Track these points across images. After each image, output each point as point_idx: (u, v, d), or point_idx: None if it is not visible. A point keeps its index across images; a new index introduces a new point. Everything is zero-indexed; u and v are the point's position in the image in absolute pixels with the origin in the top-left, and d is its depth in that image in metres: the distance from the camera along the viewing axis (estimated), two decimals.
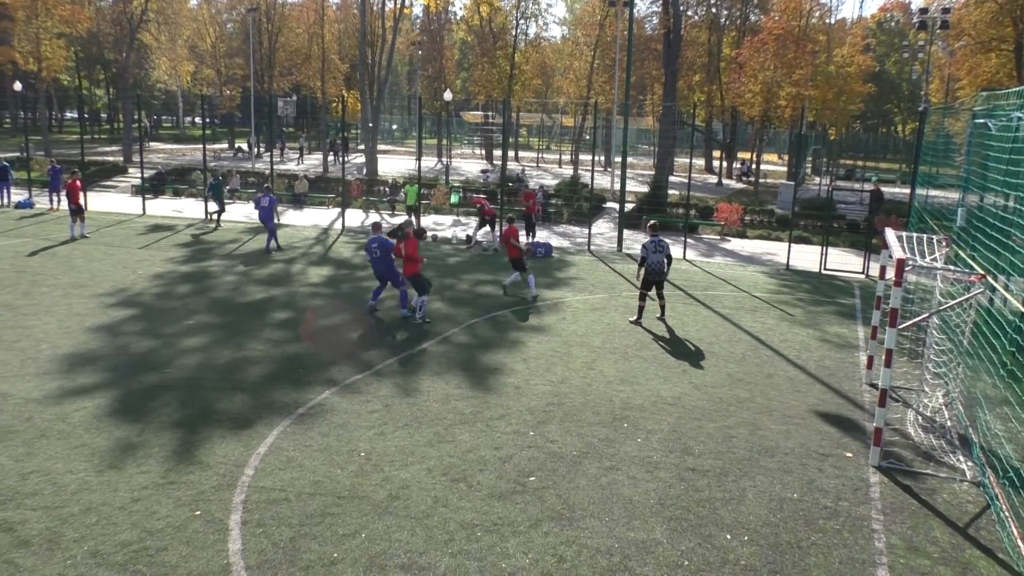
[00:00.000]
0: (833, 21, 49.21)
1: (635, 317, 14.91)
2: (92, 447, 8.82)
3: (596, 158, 49.60)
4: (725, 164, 53.42)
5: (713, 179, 50.09)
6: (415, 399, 10.57)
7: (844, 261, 22.89)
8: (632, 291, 17.79)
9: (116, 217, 28.28)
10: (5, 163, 32.66)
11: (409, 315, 14.70)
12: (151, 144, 62.71)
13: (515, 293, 17.08)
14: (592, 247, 24.07)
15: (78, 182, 22.65)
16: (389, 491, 8.04)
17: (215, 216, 26.92)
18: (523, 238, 23.87)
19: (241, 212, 30.16)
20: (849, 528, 7.71)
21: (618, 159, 35.96)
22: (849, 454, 9.39)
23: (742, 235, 27.79)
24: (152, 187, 35.33)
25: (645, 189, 35.65)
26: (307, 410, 10.05)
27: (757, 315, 15.97)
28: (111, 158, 48.52)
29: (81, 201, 22.25)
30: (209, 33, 64.23)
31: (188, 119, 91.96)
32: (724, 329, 14.75)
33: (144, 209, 29.66)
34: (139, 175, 33.71)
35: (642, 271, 14.77)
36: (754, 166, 48.26)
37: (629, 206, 29.76)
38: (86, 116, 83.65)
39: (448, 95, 43.30)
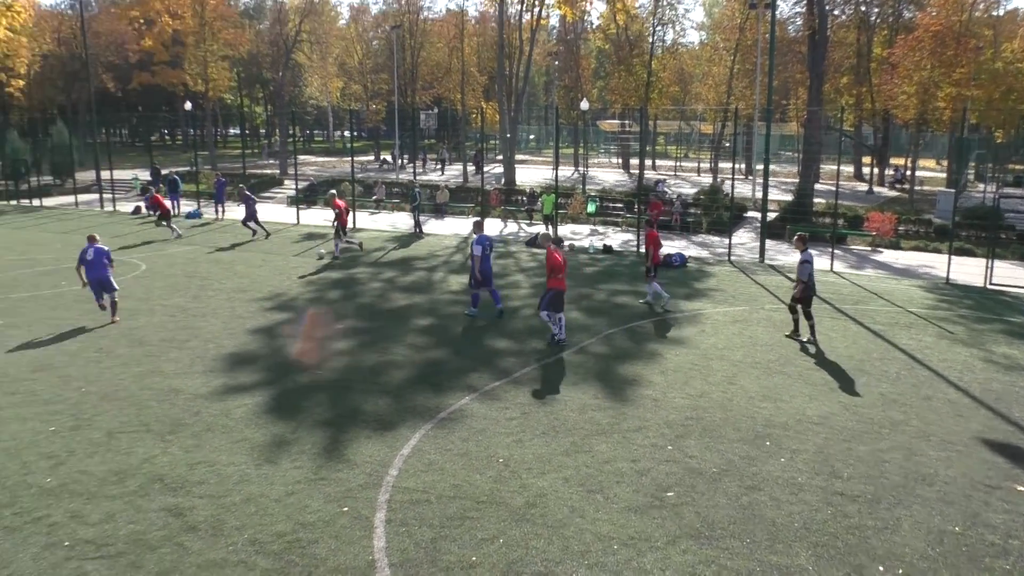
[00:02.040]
0: (1002, 13, 45.63)
1: (803, 334, 14.19)
2: (252, 441, 9.42)
3: (736, 166, 48.21)
4: (876, 171, 50.57)
5: (863, 187, 47.54)
6: (552, 408, 10.63)
7: (1013, 275, 21.14)
8: (776, 304, 17.16)
9: (273, 226, 30.07)
10: (175, 176, 35.49)
11: (468, 313, 14.98)
12: (304, 157, 66.31)
13: (648, 303, 16.85)
14: (732, 257, 23.41)
15: (340, 203, 22.74)
16: (526, 498, 8.11)
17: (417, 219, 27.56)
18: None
19: (386, 221, 31.38)
20: (1021, 570, 7.10)
21: (760, 166, 34.80)
22: (1021, 488, 8.64)
23: (895, 246, 26.20)
24: (305, 197, 37.40)
25: (788, 197, 34.30)
26: (448, 415, 10.32)
27: (913, 332, 15.00)
28: (269, 171, 51.73)
29: (347, 219, 22.87)
30: (356, 51, 67.42)
31: (337, 133, 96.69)
32: (876, 346, 13.95)
33: (298, 218, 31.43)
34: (294, 187, 35.77)
35: (802, 286, 13.87)
36: (909, 172, 45.41)
37: (771, 215, 28.74)
38: (247, 132, 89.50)
39: (584, 104, 43.37)
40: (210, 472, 8.61)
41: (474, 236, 15.64)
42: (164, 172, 40.54)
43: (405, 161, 56.71)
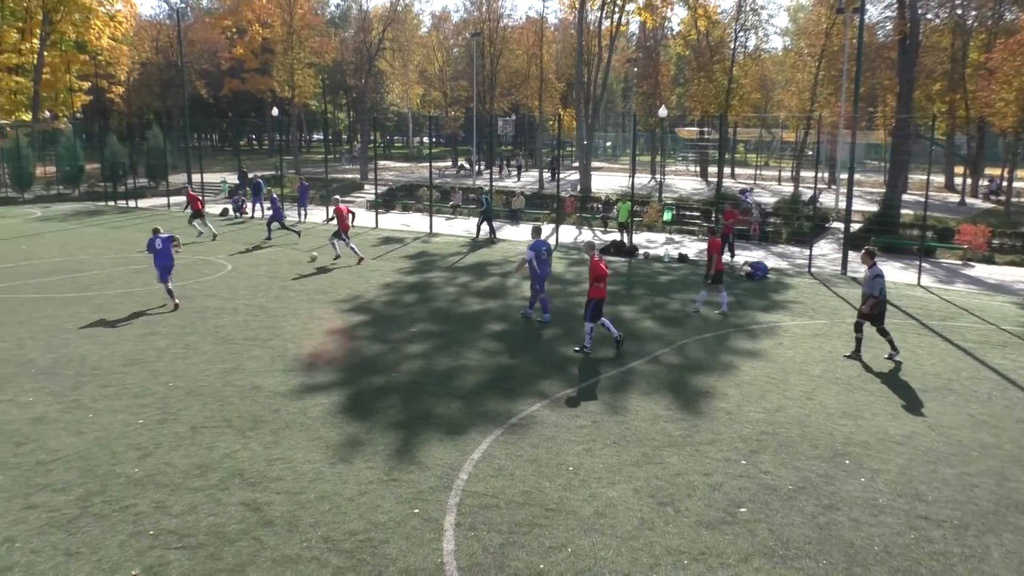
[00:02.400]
0: None
1: (854, 350, 13.67)
2: (327, 440, 9.63)
3: (819, 174, 46.86)
4: (969, 181, 48.40)
5: (955, 198, 45.58)
6: (623, 417, 10.52)
7: None
8: (855, 316, 16.59)
9: (353, 230, 30.71)
10: (259, 180, 36.65)
11: (540, 320, 15.32)
12: (384, 163, 67.64)
13: (724, 313, 16.52)
14: (813, 269, 22.76)
15: (342, 207, 23.25)
16: (595, 508, 8.05)
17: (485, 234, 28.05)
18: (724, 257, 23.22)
19: (461, 227, 31.71)
20: None
21: (844, 175, 33.73)
22: None
23: (989, 260, 25.02)
24: (384, 202, 38.14)
25: (874, 208, 33.15)
26: (518, 421, 10.33)
27: (1007, 351, 14.28)
28: (350, 175, 52.94)
29: (349, 222, 23.28)
30: (437, 58, 68.42)
31: (416, 139, 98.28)
32: (965, 365, 13.33)
33: (377, 222, 32.05)
34: (374, 191, 36.50)
35: (873, 301, 13.25)
36: (1005, 183, 43.30)
37: (855, 226, 27.85)
38: (330, 137, 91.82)
39: (663, 111, 42.92)
40: (287, 469, 8.83)
41: (532, 241, 15.73)
42: (250, 176, 41.92)
43: (482, 167, 57.20)
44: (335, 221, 23.14)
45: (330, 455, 9.21)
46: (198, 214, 27.91)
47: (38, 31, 55.32)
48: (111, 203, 42.79)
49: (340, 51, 75.52)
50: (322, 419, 10.31)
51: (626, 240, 26.17)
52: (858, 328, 13.59)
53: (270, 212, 27.98)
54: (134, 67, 75.82)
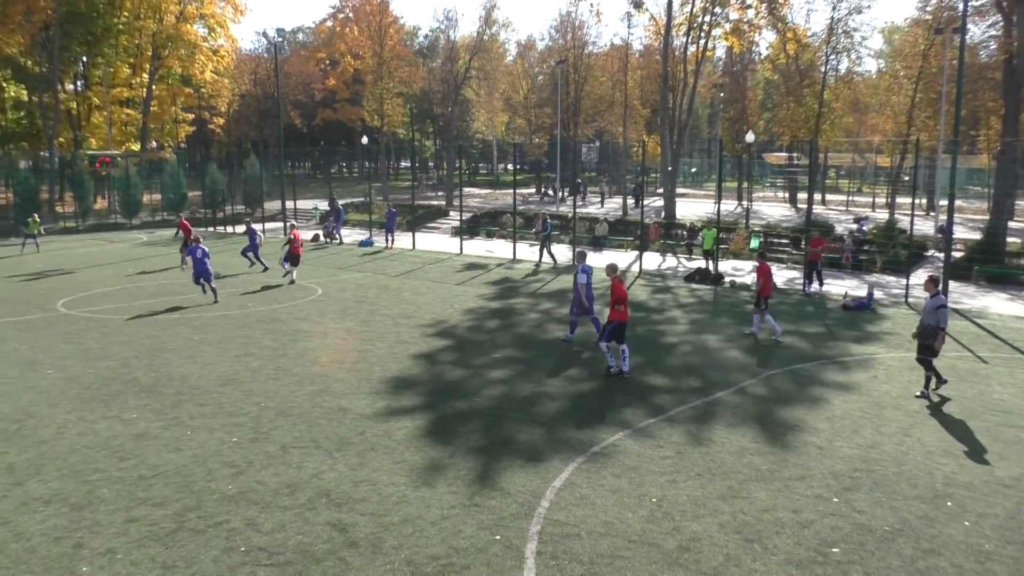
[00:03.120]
0: None
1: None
2: (410, 463, 9.77)
3: (916, 201, 45.09)
4: None
5: None
6: (708, 449, 10.30)
7: None
8: (959, 351, 15.81)
9: (437, 256, 31.30)
10: (340, 206, 37.69)
11: (564, 337, 15.53)
12: (469, 190, 68.64)
13: (756, 335, 16.01)
14: (910, 299, 21.83)
15: (296, 233, 24.16)
16: (679, 541, 7.89)
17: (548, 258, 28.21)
18: (813, 286, 22.55)
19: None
20: None
21: (943, 202, 32.37)
22: None
23: None
24: (468, 228, 38.67)
25: (976, 236, 31.64)
26: (600, 449, 10.24)
27: None
28: (436, 202, 53.92)
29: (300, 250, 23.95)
30: (522, 86, 69.29)
31: (501, 166, 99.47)
32: None
33: (461, 248, 32.51)
34: (459, 218, 37.06)
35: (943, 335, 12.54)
36: None
37: (956, 254, 26.64)
38: (416, 164, 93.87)
39: (750, 136, 42.19)
40: (372, 491, 8.99)
41: (578, 265, 15.95)
42: (341, 203, 43.25)
43: (564, 194, 57.37)
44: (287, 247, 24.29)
45: (413, 478, 9.33)
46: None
47: (148, 66, 58.84)
48: (210, 228, 44.76)
49: (428, 80, 77.42)
50: (406, 442, 10.46)
51: (711, 267, 25.73)
52: (926, 364, 12.84)
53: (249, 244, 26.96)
54: (234, 99, 79.53)
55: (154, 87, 59.62)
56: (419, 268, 27.37)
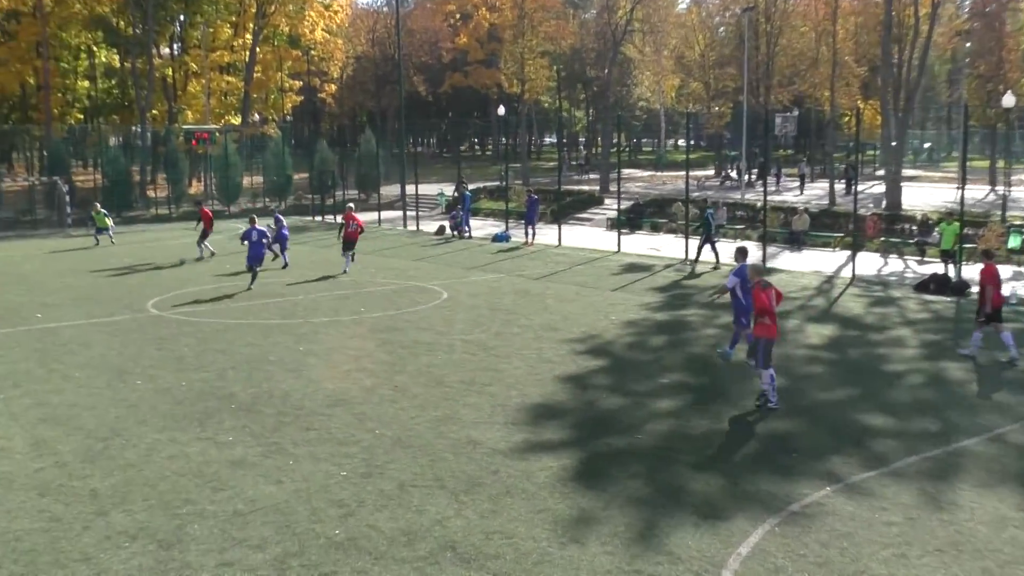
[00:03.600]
0: None
1: None
2: (555, 513, 9.75)
3: None
4: None
5: None
6: (952, 516, 9.68)
7: None
8: None
9: (589, 254, 31.32)
10: (468, 191, 38.32)
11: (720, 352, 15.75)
12: (628, 171, 68.45)
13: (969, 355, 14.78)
14: None
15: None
16: None
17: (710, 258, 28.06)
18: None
19: (726, 252, 31.17)
20: None
21: None
22: None
23: None
24: (628, 220, 38.46)
25: None
26: (800, 508, 9.85)
27: None
28: (586, 187, 54.06)
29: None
30: (698, 41, 68.22)
31: (670, 142, 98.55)
32: None
33: (619, 245, 32.37)
34: (616, 206, 36.96)
35: None
36: None
37: None
38: (564, 140, 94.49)
39: (1009, 100, 39.64)
40: (507, 545, 9.03)
41: (735, 266, 16.04)
42: (471, 187, 44.14)
43: (752, 176, 56.01)
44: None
45: (558, 532, 9.30)
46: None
47: (251, 25, 62.32)
48: (318, 218, 46.87)
49: (579, 36, 77.82)
50: (549, 486, 10.46)
51: (952, 273, 24.38)
52: None
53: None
54: (348, 62, 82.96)
55: (258, 50, 63.12)
56: (566, 269, 27.46)
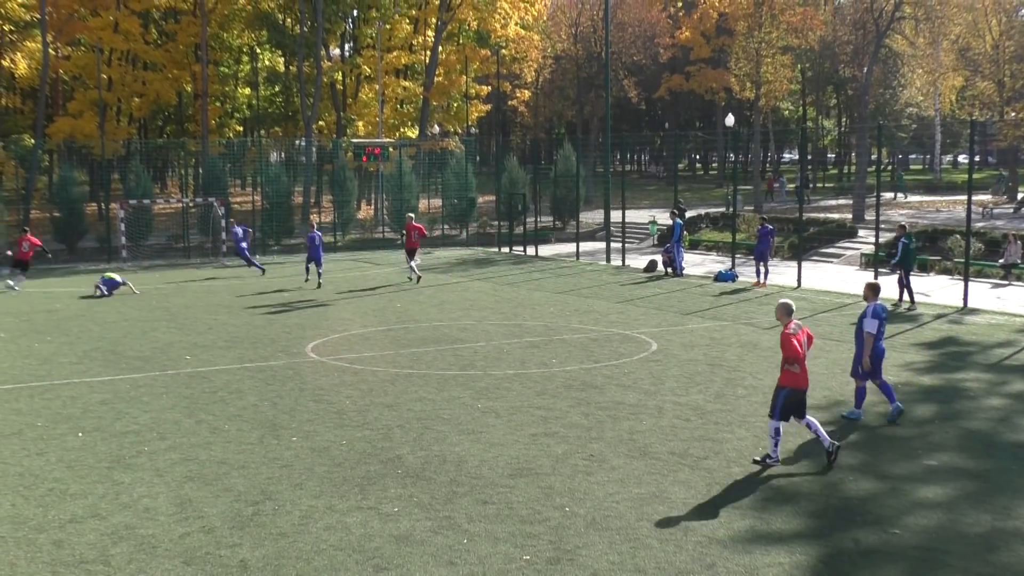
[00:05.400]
0: None
1: None
2: None
3: None
4: None
5: None
6: None
7: None
8: None
9: (836, 298, 30.60)
10: (679, 219, 37.93)
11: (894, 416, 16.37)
12: (890, 195, 66.34)
13: None
14: None
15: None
16: None
17: None
18: None
19: (1019, 300, 29.74)
20: None
21: None
22: None
23: None
24: (889, 256, 37.24)
25: None
26: None
27: None
28: (835, 215, 52.79)
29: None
30: (990, 28, 65.55)
31: (946, 157, 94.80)
32: None
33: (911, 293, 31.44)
34: (873, 239, 35.91)
35: None
36: None
37: None
38: (808, 157, 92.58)
39: None
40: None
41: (867, 305, 16.88)
42: (689, 214, 43.98)
43: None
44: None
45: None
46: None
47: (433, 21, 64.58)
48: (504, 249, 47.88)
49: (831, 27, 76.35)
50: None
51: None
52: None
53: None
54: (544, 63, 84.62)
55: (440, 49, 65.29)
56: (807, 317, 26.92)
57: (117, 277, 33.95)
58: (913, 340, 23.64)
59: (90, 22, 62.60)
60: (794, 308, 14.78)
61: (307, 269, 35.65)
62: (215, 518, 12.26)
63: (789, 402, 14.10)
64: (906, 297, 29.01)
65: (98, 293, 32.91)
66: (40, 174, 63.39)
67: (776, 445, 14.12)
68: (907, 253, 28.94)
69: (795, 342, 14.00)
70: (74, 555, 11.00)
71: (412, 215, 38.48)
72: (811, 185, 76.14)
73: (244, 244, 39.61)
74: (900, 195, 67.78)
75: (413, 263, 35.56)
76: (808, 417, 14.30)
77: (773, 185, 75.00)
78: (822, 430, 14.29)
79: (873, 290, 17.08)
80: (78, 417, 17.16)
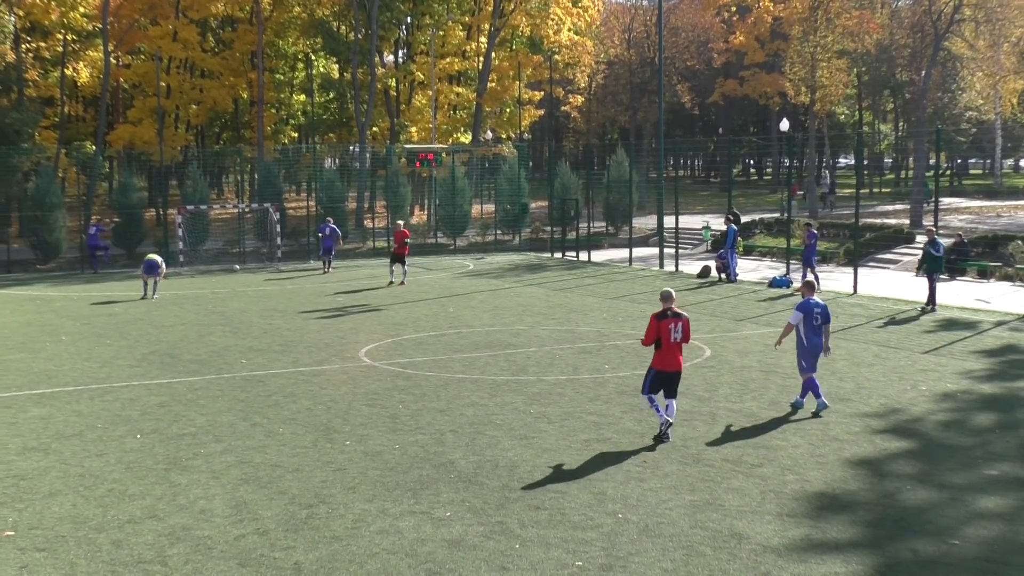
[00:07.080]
0: None
1: None
2: None
3: None
4: None
5: None
6: None
7: None
8: None
9: (893, 305, 30.28)
10: (733, 225, 37.68)
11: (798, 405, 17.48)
12: (950, 201, 65.54)
13: None
14: None
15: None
16: None
17: None
18: None
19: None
20: None
21: None
22: None
23: None
24: (948, 263, 36.79)
25: None
26: None
27: None
28: (892, 220, 52.27)
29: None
30: None
31: (1008, 162, 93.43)
32: None
33: (932, 297, 31.03)
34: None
35: None
36: None
37: None
38: (864, 162, 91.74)
39: None
40: None
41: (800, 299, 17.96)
42: (744, 219, 43.76)
43: None
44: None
45: None
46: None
47: (487, 27, 65.02)
48: (556, 255, 47.92)
49: (888, 30, 75.60)
50: None
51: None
52: None
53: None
54: (597, 69, 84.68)
55: (493, 55, 65.67)
56: (861, 324, 26.67)
57: (158, 258, 34.62)
58: (973, 347, 23.33)
59: (150, 31, 64.15)
60: (673, 295, 15.97)
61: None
62: (269, 520, 12.38)
63: (655, 381, 15.75)
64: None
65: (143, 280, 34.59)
66: (101, 180, 64.69)
67: (658, 411, 15.68)
68: (932, 259, 29.29)
69: (651, 330, 15.67)
70: (132, 555, 11.16)
71: (401, 222, 40.57)
72: (834, 192, 75.05)
73: (330, 243, 42.72)
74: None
75: (404, 268, 37.43)
76: (669, 400, 15.77)
77: (796, 192, 73.96)
78: (662, 409, 15.61)
79: (808, 287, 18.28)
80: (136, 419, 17.42)
